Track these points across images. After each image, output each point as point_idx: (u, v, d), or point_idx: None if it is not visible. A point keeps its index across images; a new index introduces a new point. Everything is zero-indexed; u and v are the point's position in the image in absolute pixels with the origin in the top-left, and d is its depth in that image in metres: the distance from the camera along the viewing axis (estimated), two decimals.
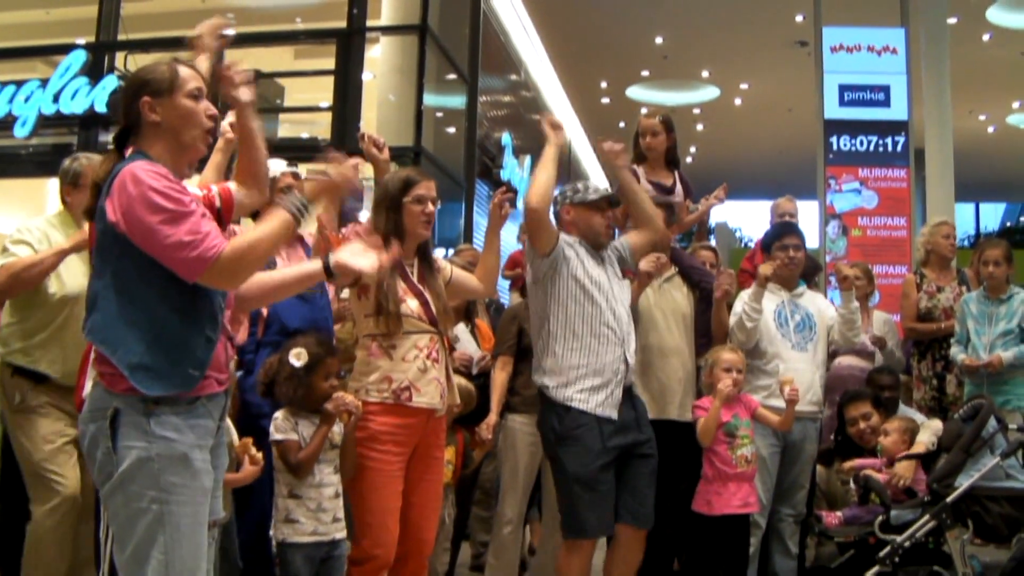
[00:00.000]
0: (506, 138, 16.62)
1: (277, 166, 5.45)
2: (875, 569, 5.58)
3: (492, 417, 6.12)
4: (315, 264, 3.64)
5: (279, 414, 4.74)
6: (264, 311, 5.16)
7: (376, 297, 4.68)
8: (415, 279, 4.87)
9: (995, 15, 17.96)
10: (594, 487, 5.07)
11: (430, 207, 4.88)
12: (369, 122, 13.70)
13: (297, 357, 4.71)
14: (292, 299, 4.98)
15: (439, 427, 4.91)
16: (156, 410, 3.17)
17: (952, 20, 15.89)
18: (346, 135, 12.91)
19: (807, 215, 12.22)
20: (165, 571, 3.15)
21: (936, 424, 6.42)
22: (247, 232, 3.23)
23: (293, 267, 3.63)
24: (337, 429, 4.72)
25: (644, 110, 7.07)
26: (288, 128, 15.22)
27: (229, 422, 4.68)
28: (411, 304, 4.75)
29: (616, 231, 6.04)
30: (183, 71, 3.44)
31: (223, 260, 3.14)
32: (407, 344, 4.71)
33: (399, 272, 4.79)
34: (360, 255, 3.65)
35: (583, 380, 5.16)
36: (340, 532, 4.75)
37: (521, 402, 6.14)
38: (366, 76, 13.86)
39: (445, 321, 4.92)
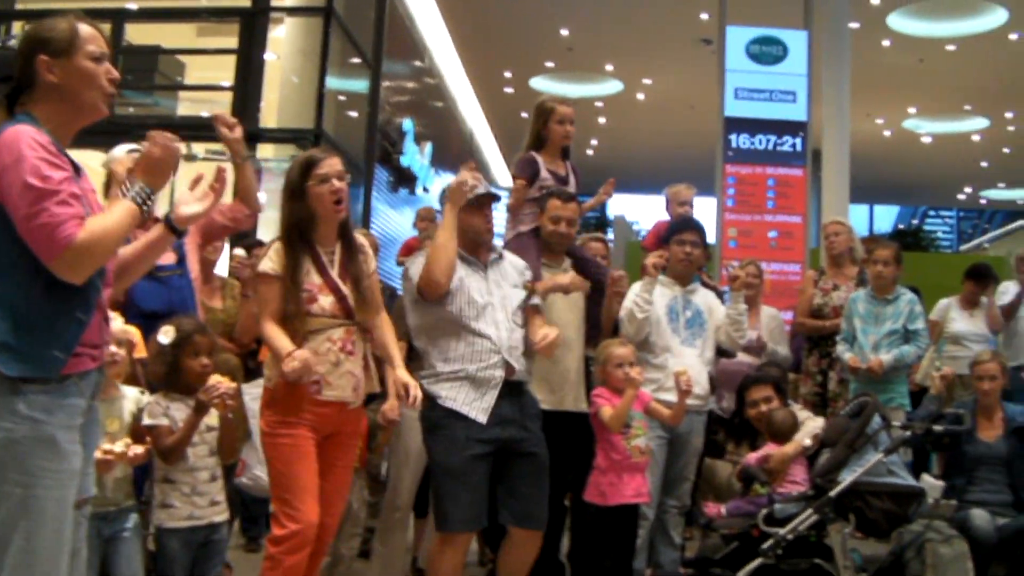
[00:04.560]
0: (408, 124, 16.58)
1: (119, 150, 5.38)
2: (758, 561, 5.64)
3: (393, 400, 6.01)
4: (158, 227, 3.48)
5: (151, 398, 4.65)
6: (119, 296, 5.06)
7: (282, 299, 4.57)
8: (336, 269, 4.74)
9: (896, 21, 18.27)
10: (458, 478, 4.97)
11: (337, 184, 4.68)
12: (271, 103, 13.60)
13: (165, 334, 4.63)
14: (147, 282, 4.90)
15: (354, 416, 4.83)
16: (24, 389, 3.05)
17: (854, 25, 16.10)
18: (247, 115, 12.78)
19: (704, 211, 12.32)
20: (26, 557, 3.05)
21: (816, 424, 6.53)
22: (93, 223, 3.09)
23: (140, 239, 3.48)
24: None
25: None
26: (188, 106, 15.01)
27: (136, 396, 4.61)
28: (324, 302, 4.64)
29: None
30: (84, 30, 3.28)
31: (73, 250, 3.02)
32: (319, 338, 4.61)
33: (315, 265, 4.67)
34: (194, 202, 3.53)
35: (456, 382, 5.06)
36: (219, 515, 4.70)
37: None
38: (269, 57, 13.74)
39: (365, 311, 4.77)
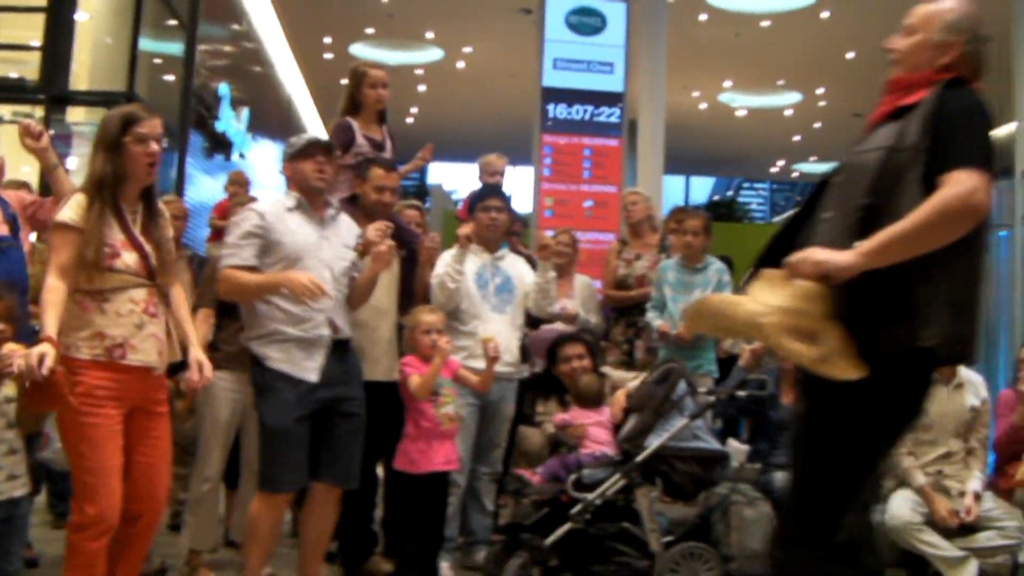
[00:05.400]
0: (224, 88, 16.28)
1: None
2: (567, 526, 5.71)
3: (202, 354, 5.91)
4: None
5: None
6: None
7: (80, 249, 4.36)
8: (138, 229, 4.57)
9: None
10: (287, 439, 5.03)
11: (154, 146, 4.52)
12: (82, 64, 13.17)
13: None
14: None
15: (160, 383, 4.65)
16: None
17: None
18: (57, 76, 12.40)
19: (521, 180, 12.40)
20: None
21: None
22: None
23: None
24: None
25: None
26: None
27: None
28: (127, 258, 4.45)
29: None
30: None
31: None
32: (122, 298, 4.41)
33: (118, 222, 4.49)
34: None
35: (284, 344, 5.09)
36: (19, 490, 4.57)
37: (223, 358, 5.94)
38: (80, 16, 13.30)
39: (166, 275, 4.61)
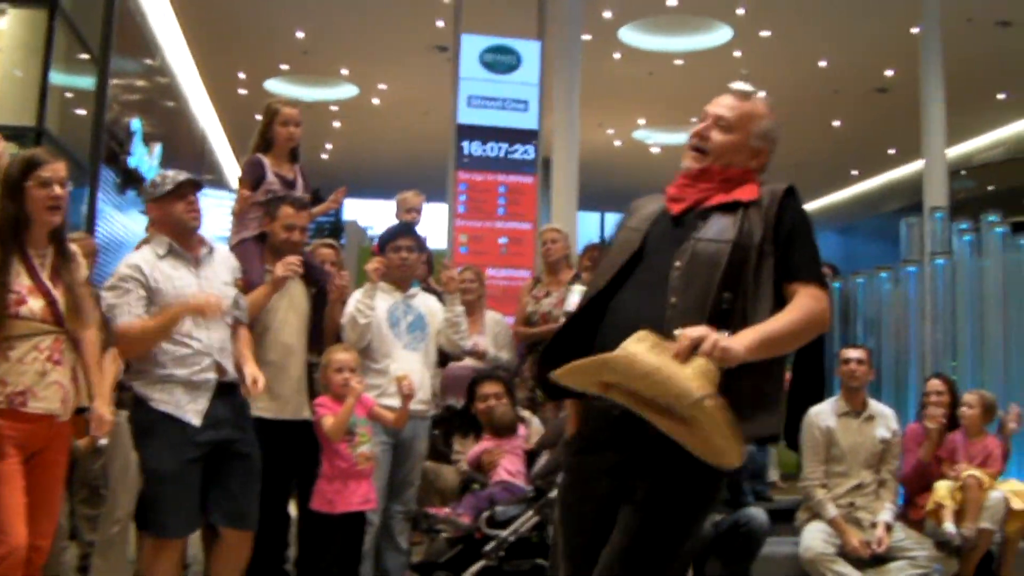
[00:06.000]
0: (136, 123, 16.10)
1: None
2: (481, 563, 5.71)
3: (103, 407, 5.83)
4: None
5: None
6: None
7: None
8: (46, 273, 4.54)
9: (626, 35, 18.71)
10: (172, 483, 4.93)
11: (57, 190, 4.52)
12: None
13: None
14: None
15: (63, 431, 4.61)
16: None
17: (586, 37, 16.41)
18: None
19: (436, 217, 12.39)
20: None
21: None
22: None
23: None
24: None
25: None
26: None
27: None
28: (33, 306, 4.43)
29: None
30: None
31: None
32: (26, 346, 4.39)
33: (25, 268, 4.47)
34: None
35: (169, 385, 4.98)
36: None
37: (131, 398, 5.89)
38: None
39: (75, 319, 4.58)
